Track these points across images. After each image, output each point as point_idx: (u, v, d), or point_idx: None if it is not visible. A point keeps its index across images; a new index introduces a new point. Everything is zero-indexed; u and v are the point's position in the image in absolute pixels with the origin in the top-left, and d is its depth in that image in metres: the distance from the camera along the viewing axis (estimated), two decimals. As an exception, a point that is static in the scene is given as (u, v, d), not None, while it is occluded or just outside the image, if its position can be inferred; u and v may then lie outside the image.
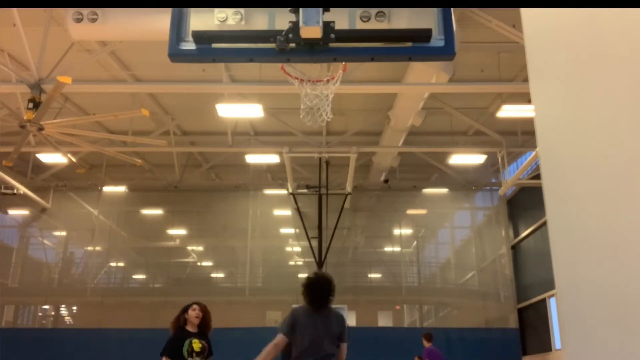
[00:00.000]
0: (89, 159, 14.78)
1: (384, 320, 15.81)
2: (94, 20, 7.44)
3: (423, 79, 9.55)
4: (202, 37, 2.89)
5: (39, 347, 13.46)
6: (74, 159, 10.83)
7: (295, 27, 2.80)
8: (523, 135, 12.76)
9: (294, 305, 5.17)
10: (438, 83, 9.54)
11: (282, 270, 15.87)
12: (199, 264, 16.90)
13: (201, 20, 2.94)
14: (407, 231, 16.32)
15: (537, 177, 11.43)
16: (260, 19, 2.94)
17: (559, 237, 1.58)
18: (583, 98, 1.51)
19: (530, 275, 14.14)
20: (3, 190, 13.59)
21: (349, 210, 15.06)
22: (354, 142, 12.64)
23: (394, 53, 2.97)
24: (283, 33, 2.80)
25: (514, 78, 10.91)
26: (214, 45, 2.93)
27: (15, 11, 8.17)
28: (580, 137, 1.51)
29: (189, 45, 2.92)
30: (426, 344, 10.20)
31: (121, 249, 16.20)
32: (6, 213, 15.92)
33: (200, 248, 16.77)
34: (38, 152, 13.06)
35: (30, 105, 8.24)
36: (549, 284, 12.13)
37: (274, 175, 15.94)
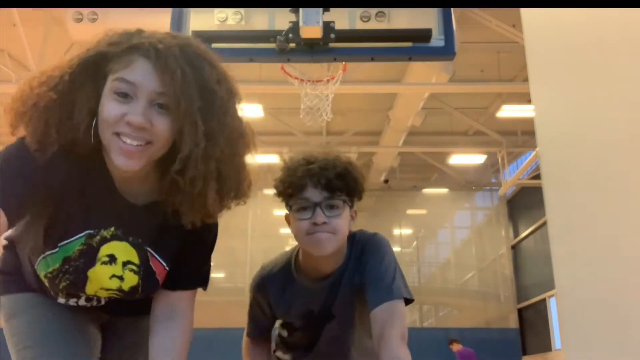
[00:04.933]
0: (89, 159, 14.76)
1: (384, 320, 15.78)
2: (94, 20, 7.44)
3: (423, 79, 9.54)
4: (202, 37, 2.88)
5: (39, 347, 13.45)
6: (74, 159, 10.81)
7: (295, 27, 2.79)
8: (523, 135, 12.74)
9: None
10: (438, 83, 9.53)
11: (282, 270, 15.84)
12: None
13: (201, 20, 2.95)
14: (407, 231, 16.30)
15: (537, 177, 11.42)
16: (260, 19, 2.94)
17: (559, 237, 1.58)
18: (583, 98, 1.50)
19: (530, 275, 14.14)
20: (3, 190, 13.57)
21: (349, 210, 15.04)
22: (354, 142, 12.62)
23: (394, 53, 2.96)
24: (283, 33, 2.80)
25: (514, 78, 10.90)
26: (214, 45, 2.92)
27: (15, 11, 8.17)
28: (580, 137, 1.51)
29: (189, 45, 2.92)
30: (456, 348, 10.76)
31: (121, 249, 16.15)
32: (6, 213, 15.90)
33: (200, 248, 16.74)
34: (38, 152, 13.04)
35: (30, 105, 8.23)
36: (549, 284, 12.11)
37: (274, 175, 15.90)
